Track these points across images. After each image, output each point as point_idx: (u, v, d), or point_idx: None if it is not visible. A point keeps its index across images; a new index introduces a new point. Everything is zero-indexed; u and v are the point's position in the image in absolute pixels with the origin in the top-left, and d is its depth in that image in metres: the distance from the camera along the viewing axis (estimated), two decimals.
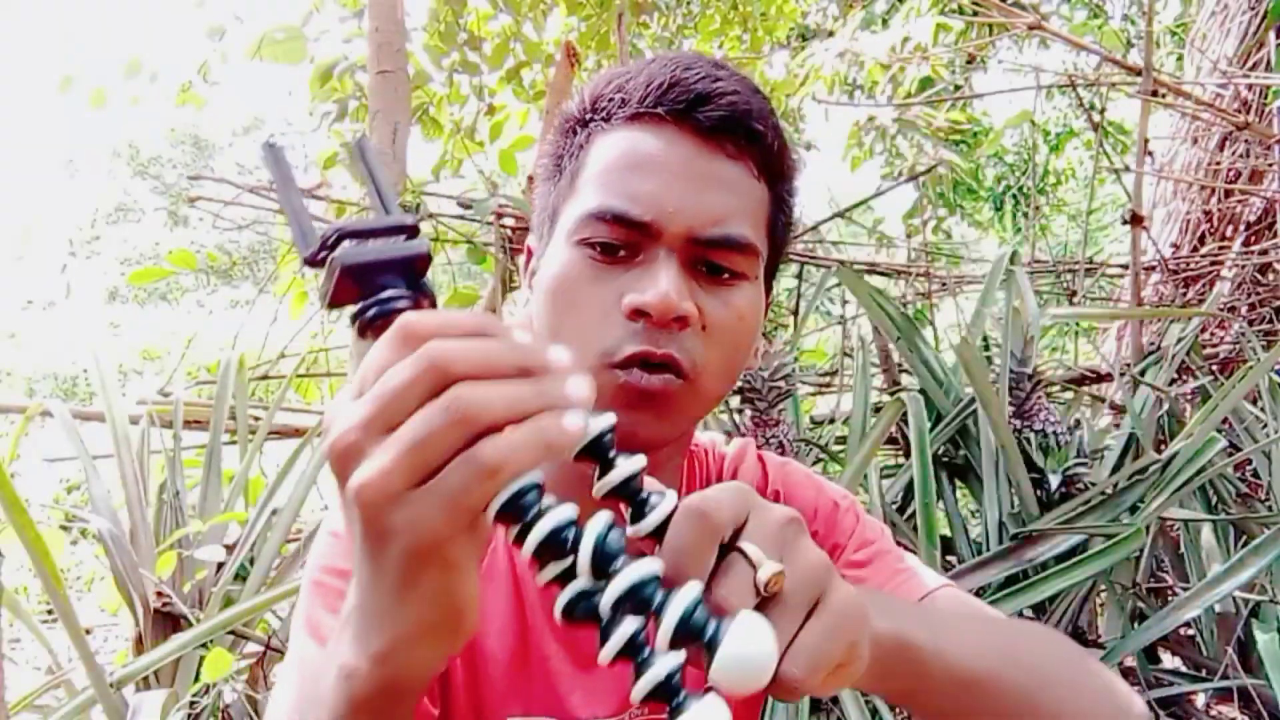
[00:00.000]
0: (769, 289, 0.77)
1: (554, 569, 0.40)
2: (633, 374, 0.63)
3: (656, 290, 0.63)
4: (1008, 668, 0.57)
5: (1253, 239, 3.26)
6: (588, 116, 0.72)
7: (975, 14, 3.57)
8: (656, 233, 0.65)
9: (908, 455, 1.96)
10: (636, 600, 0.39)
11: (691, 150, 0.67)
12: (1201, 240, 3.32)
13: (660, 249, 0.65)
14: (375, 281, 0.42)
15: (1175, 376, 2.37)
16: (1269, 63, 3.15)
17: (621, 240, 0.66)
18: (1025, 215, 5.93)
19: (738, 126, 0.67)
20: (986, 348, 2.19)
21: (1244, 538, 1.93)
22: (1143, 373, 2.29)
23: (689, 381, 0.64)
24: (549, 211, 0.74)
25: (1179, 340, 2.35)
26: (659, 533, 0.42)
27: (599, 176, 0.68)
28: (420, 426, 0.37)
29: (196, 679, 1.58)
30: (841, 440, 2.24)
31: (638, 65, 0.71)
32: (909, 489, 1.93)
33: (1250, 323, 2.90)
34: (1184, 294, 3.18)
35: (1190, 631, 2.01)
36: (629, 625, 0.39)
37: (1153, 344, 2.53)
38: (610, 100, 0.70)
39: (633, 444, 0.64)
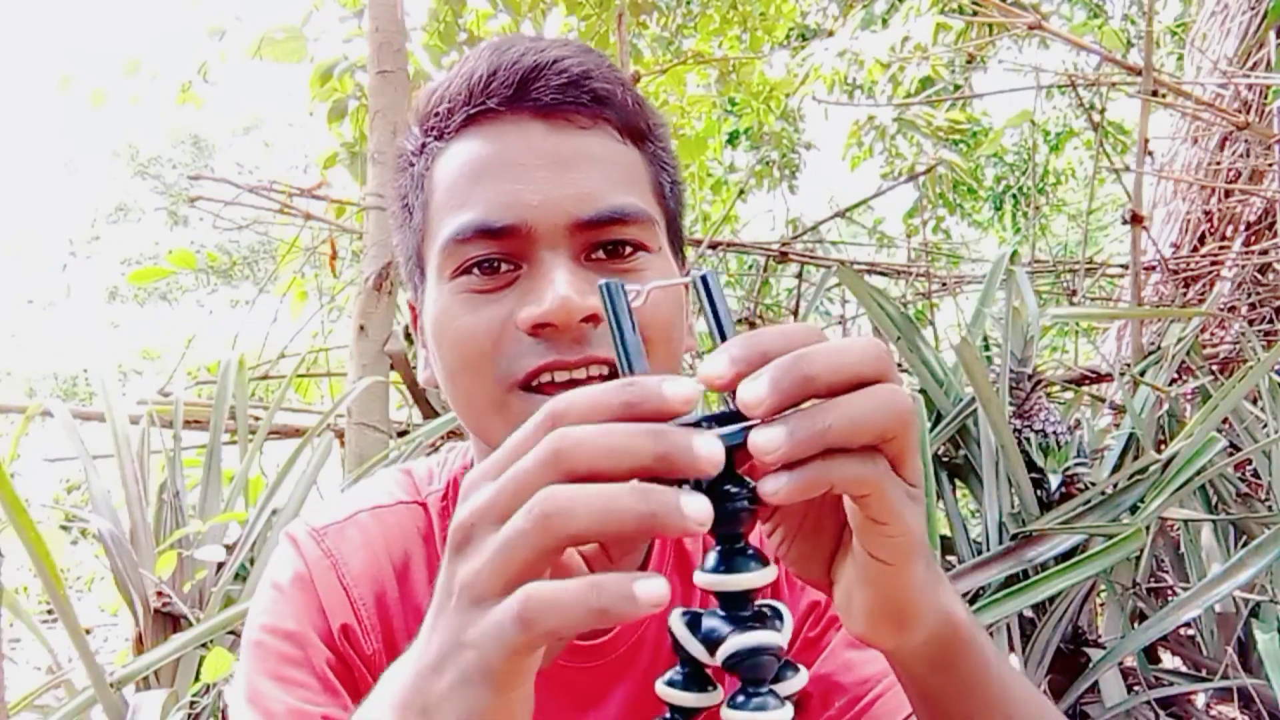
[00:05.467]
0: (682, 262, 0.69)
1: None
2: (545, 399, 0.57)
3: (552, 294, 0.54)
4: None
5: (1253, 239, 3.26)
6: (421, 142, 0.63)
7: (975, 14, 3.57)
8: (529, 234, 0.57)
9: None
10: None
11: (538, 133, 0.59)
12: (1201, 240, 3.32)
13: (542, 251, 0.57)
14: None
15: (1175, 376, 2.37)
16: (1269, 63, 3.15)
17: (496, 254, 0.58)
18: (1025, 215, 5.93)
19: (580, 91, 0.59)
20: (986, 348, 2.20)
21: (1244, 538, 1.93)
22: (1143, 373, 2.29)
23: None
24: (413, 259, 0.65)
25: (1179, 340, 2.35)
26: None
27: (448, 198, 0.60)
28: (510, 533, 0.36)
29: (196, 679, 1.58)
30: None
31: (454, 70, 0.63)
32: None
33: (1250, 323, 2.90)
34: (1184, 294, 3.18)
35: (1190, 631, 2.01)
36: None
37: (1153, 344, 2.53)
38: (437, 115, 0.62)
39: None
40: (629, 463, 0.35)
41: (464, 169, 0.60)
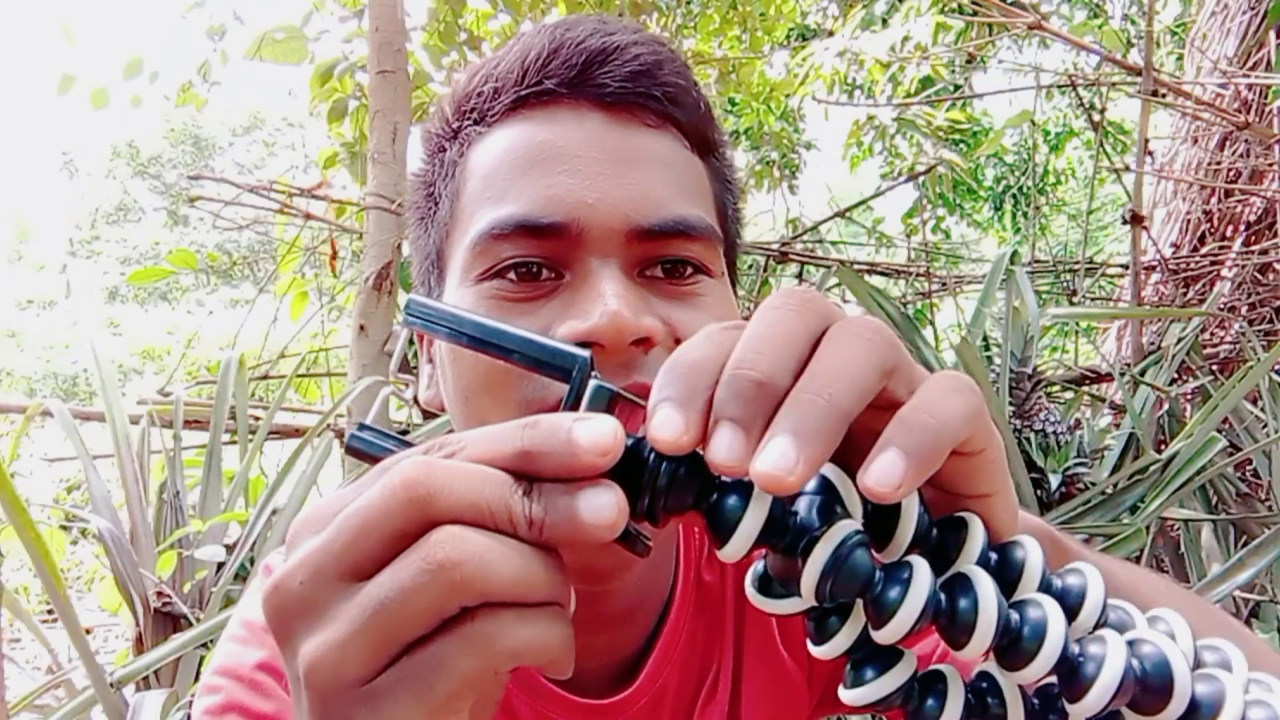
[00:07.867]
0: (735, 295, 0.60)
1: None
2: None
3: (603, 309, 0.46)
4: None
5: (1253, 239, 3.26)
6: (457, 125, 0.56)
7: (975, 14, 3.57)
8: (579, 237, 0.49)
9: None
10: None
11: (600, 125, 0.52)
12: (1201, 240, 3.32)
13: (590, 259, 0.49)
14: None
15: (1175, 376, 2.37)
16: (1269, 63, 3.15)
17: (536, 257, 0.49)
18: (1025, 215, 5.93)
19: (651, 84, 0.52)
20: (986, 348, 2.19)
21: (1244, 538, 1.93)
22: (1143, 373, 2.29)
23: None
24: (431, 257, 0.56)
25: (1179, 340, 2.35)
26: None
27: (485, 189, 0.52)
28: (389, 586, 0.27)
29: (196, 679, 1.59)
30: None
31: (504, 48, 0.56)
32: None
33: (1250, 323, 2.90)
34: (1184, 294, 3.18)
35: None
36: None
37: (1153, 344, 2.53)
38: (480, 95, 0.54)
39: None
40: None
41: (507, 156, 0.52)
